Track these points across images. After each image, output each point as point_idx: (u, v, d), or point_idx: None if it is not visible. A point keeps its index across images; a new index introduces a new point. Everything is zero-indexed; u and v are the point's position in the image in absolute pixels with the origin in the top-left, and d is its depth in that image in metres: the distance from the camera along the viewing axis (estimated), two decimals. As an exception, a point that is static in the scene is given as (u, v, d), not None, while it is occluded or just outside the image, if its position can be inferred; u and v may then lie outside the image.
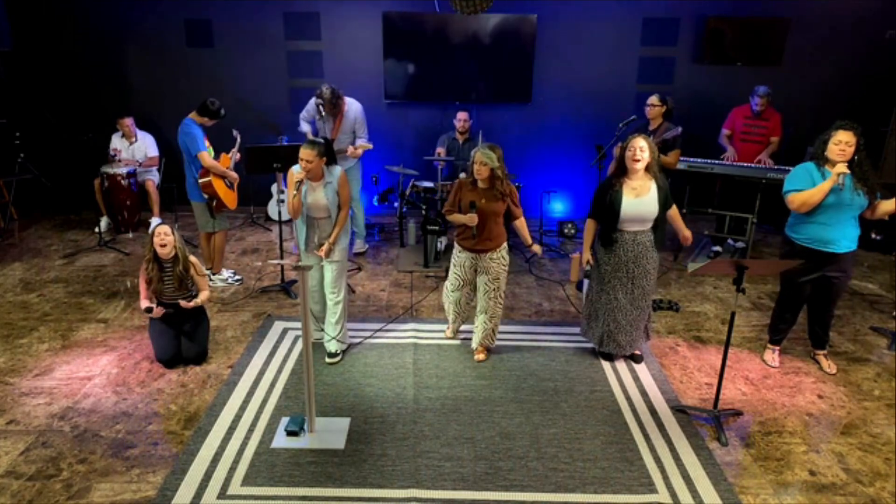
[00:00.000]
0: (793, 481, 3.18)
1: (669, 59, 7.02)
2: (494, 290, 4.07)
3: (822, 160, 3.77)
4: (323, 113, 5.63)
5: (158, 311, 4.00)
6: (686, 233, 3.93)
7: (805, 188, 3.78)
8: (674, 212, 3.97)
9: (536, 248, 4.12)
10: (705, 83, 7.02)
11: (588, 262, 4.08)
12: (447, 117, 6.62)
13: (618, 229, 3.88)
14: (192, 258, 4.13)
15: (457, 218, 3.96)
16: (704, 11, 6.77)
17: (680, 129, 5.33)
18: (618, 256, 3.92)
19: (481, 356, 4.21)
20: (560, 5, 6.79)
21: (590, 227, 4.04)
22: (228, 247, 6.19)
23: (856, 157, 3.71)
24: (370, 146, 5.84)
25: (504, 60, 6.88)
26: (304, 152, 3.81)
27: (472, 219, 3.85)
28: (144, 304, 4.00)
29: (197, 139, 4.91)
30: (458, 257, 4.10)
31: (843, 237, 3.81)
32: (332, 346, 4.18)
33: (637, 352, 4.25)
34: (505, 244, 4.06)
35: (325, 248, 3.98)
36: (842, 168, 3.64)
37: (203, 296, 4.12)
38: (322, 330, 4.23)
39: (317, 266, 4.13)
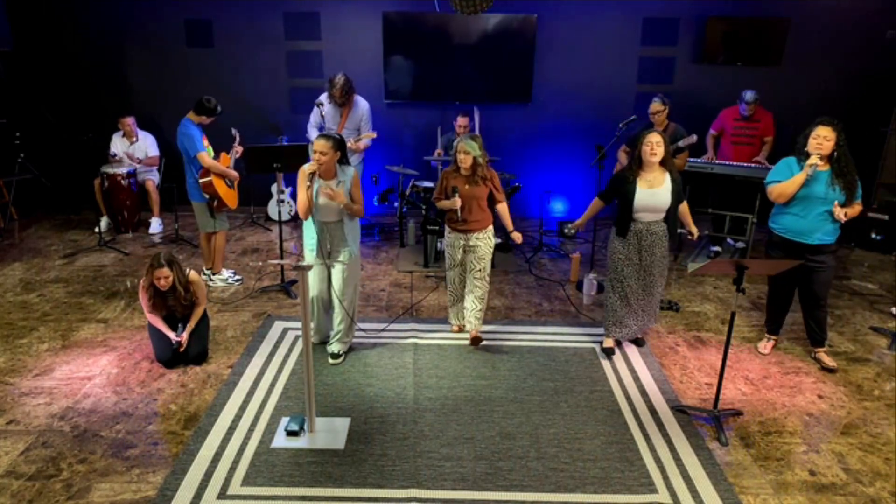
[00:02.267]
0: (793, 481, 3.18)
1: (669, 59, 7.02)
2: (480, 269, 4.27)
3: (802, 154, 3.92)
4: (323, 114, 5.64)
5: (184, 340, 4.04)
6: (693, 229, 4.22)
7: (784, 180, 3.94)
8: (684, 207, 4.20)
9: (517, 236, 4.30)
10: (705, 83, 7.02)
11: (576, 228, 4.48)
12: (447, 117, 6.62)
13: (633, 219, 4.04)
14: (193, 275, 4.11)
15: (443, 204, 4.24)
16: (704, 11, 6.77)
17: (695, 137, 5.36)
18: (632, 245, 4.08)
19: (475, 334, 4.35)
20: (560, 5, 6.79)
21: (595, 204, 4.28)
22: (228, 247, 6.19)
23: (835, 153, 3.83)
24: (374, 135, 5.93)
25: (504, 60, 6.87)
26: (319, 144, 3.71)
27: (454, 202, 4.13)
28: (172, 336, 4.03)
29: (195, 139, 4.91)
30: (448, 238, 4.35)
31: (816, 229, 3.93)
32: (334, 347, 4.17)
33: (640, 335, 4.43)
34: (490, 227, 4.30)
35: (335, 192, 3.78)
36: (813, 160, 3.79)
37: (198, 311, 4.14)
38: (323, 333, 4.22)
39: (322, 275, 4.03)
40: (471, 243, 4.25)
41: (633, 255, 4.09)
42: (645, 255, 4.07)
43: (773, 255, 4.15)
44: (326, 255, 3.97)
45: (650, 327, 4.43)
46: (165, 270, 3.89)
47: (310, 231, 3.94)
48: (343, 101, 5.75)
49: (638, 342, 4.45)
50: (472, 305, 4.34)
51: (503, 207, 4.31)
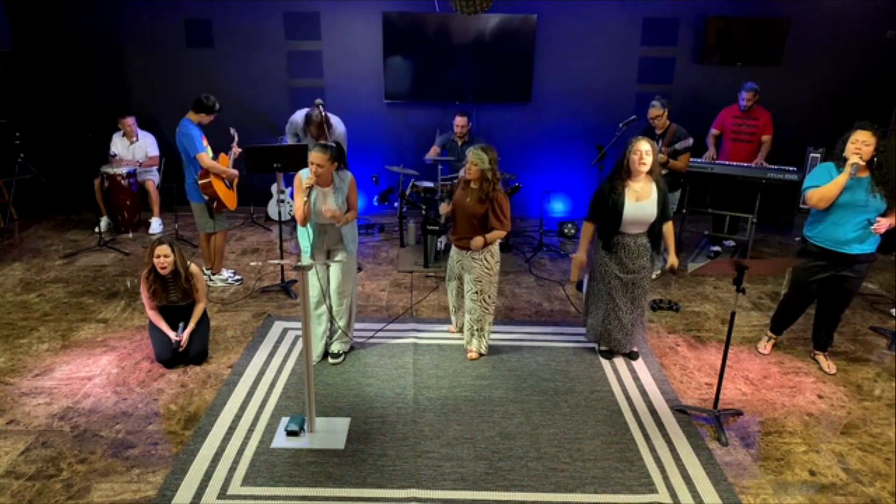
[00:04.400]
0: (793, 481, 3.18)
1: (669, 59, 7.02)
2: (476, 292, 4.06)
3: (841, 160, 3.77)
4: (303, 135, 5.63)
5: (184, 340, 4.04)
6: (673, 258, 4.03)
7: (823, 184, 3.79)
8: (668, 228, 4.00)
9: (477, 242, 3.96)
10: (705, 83, 7.02)
11: (583, 265, 4.10)
12: (447, 117, 6.62)
13: (619, 232, 3.91)
14: (193, 267, 4.12)
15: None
16: (704, 11, 6.77)
17: (691, 140, 5.34)
18: (619, 258, 3.96)
19: (472, 354, 4.23)
20: (560, 5, 6.79)
21: (588, 230, 4.05)
22: (228, 247, 6.19)
23: (875, 159, 3.69)
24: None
25: (504, 60, 6.87)
26: (315, 156, 3.66)
27: (443, 208, 4.03)
28: (172, 335, 4.02)
29: (195, 140, 4.90)
30: (452, 250, 4.21)
31: (856, 238, 3.79)
32: (334, 347, 4.17)
33: (634, 348, 4.28)
34: (490, 248, 4.01)
35: (333, 212, 3.77)
36: (854, 159, 3.65)
37: (198, 310, 4.14)
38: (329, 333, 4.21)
39: (322, 275, 4.00)
40: (465, 262, 4.06)
41: (621, 269, 3.96)
42: (632, 267, 3.95)
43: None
44: (325, 255, 3.96)
45: (639, 339, 4.28)
46: (166, 248, 3.91)
47: (305, 235, 3.91)
48: (319, 135, 5.54)
49: (631, 355, 4.28)
50: (469, 326, 4.19)
51: (498, 233, 3.96)
